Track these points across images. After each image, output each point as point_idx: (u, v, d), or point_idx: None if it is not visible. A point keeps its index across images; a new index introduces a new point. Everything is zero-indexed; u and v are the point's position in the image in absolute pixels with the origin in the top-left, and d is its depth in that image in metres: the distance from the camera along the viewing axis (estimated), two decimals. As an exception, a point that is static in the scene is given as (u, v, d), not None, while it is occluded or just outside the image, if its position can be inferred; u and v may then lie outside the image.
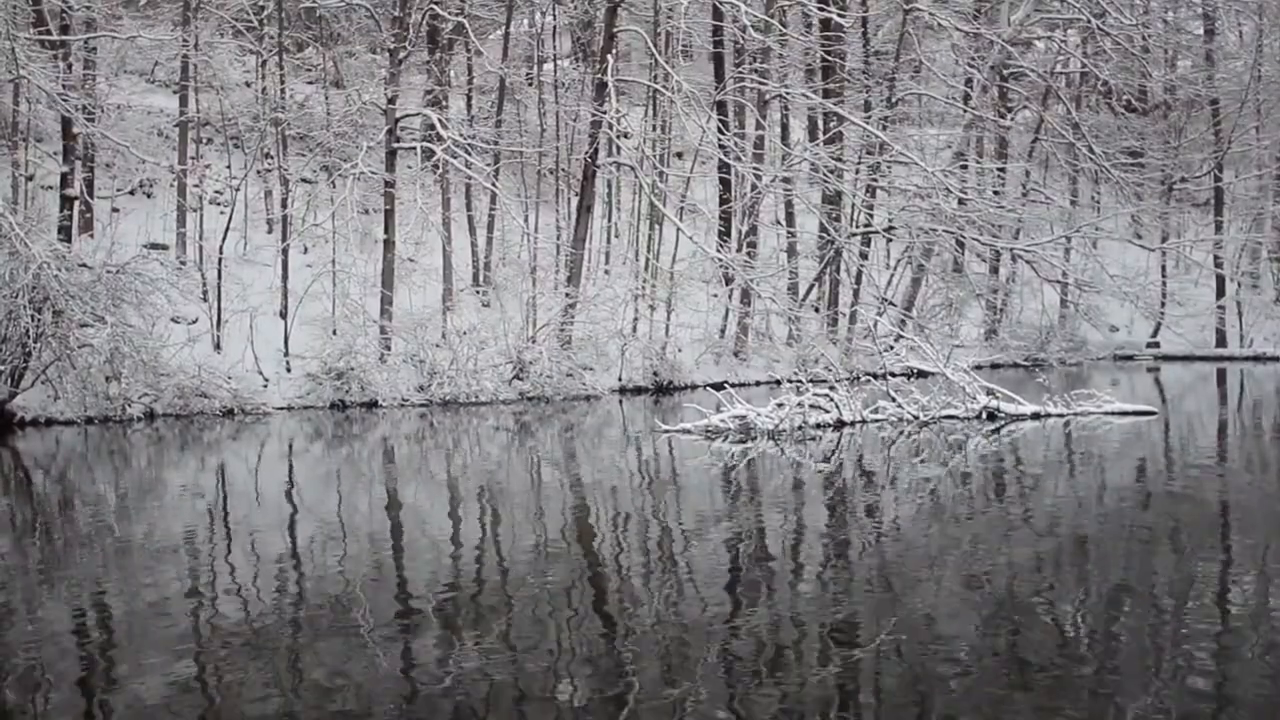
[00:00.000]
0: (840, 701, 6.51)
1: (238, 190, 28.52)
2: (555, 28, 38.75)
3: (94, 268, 21.89)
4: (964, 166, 35.92)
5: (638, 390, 28.53)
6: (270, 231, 30.23)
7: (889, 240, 38.39)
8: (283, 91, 29.98)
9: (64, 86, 24.05)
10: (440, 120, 26.73)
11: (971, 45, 35.31)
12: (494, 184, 29.15)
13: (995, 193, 36.85)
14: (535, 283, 28.73)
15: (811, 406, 20.94)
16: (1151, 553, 10.61)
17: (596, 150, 29.05)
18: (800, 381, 22.25)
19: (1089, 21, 35.94)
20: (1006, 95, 40.25)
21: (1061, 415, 21.91)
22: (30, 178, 26.41)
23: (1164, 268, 44.07)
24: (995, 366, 33.17)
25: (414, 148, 27.72)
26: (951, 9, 35.20)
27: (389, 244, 26.99)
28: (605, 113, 27.92)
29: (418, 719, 6.27)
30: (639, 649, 7.46)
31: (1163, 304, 42.98)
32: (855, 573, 9.79)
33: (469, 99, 35.46)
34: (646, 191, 30.64)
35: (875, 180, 34.94)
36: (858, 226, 34.89)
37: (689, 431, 19.93)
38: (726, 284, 31.89)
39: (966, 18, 35.55)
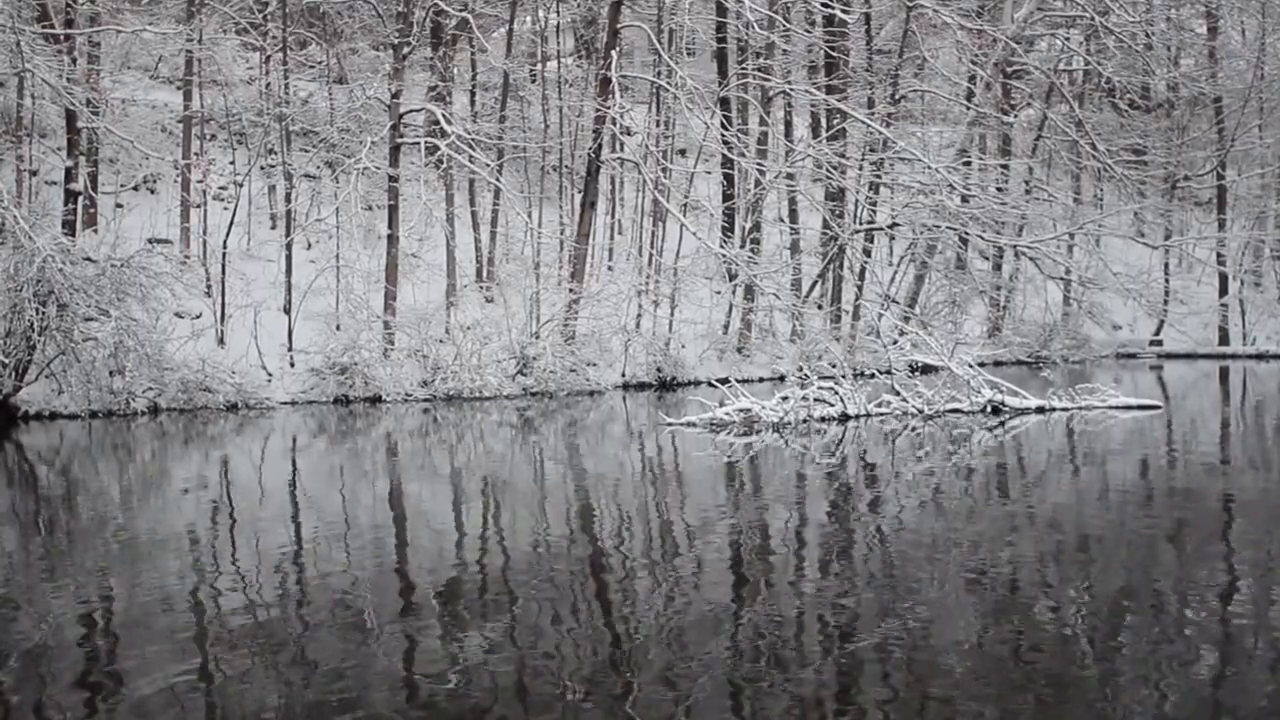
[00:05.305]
0: (842, 698, 6.51)
1: (241, 186, 28.56)
2: (559, 24, 38.80)
3: (98, 262, 21.92)
4: (967, 163, 35.94)
5: (641, 386, 28.55)
6: (274, 227, 30.27)
7: (892, 237, 38.45)
8: (286, 87, 30.02)
9: (68, 81, 24.09)
10: (444, 116, 26.77)
11: (975, 43, 35.31)
12: (498, 180, 29.18)
13: (999, 190, 36.91)
14: (539, 278, 28.76)
15: (816, 400, 20.95)
16: (1154, 549, 10.60)
17: (600, 147, 29.06)
18: (805, 375, 22.26)
19: (1092, 19, 35.95)
20: (1010, 93, 40.24)
21: (1066, 409, 21.92)
22: (34, 172, 26.45)
23: (1167, 265, 44.08)
24: (998, 364, 33.13)
25: (418, 143, 27.76)
26: (955, 7, 35.20)
27: (392, 239, 27.02)
28: (609, 109, 27.94)
29: (421, 713, 6.27)
30: (642, 643, 7.47)
31: (1165, 302, 42.98)
32: (858, 568, 9.79)
33: (472, 95, 35.50)
34: (650, 188, 30.65)
35: (879, 177, 34.95)
36: (861, 223, 34.90)
37: (693, 425, 19.93)
38: (730, 280, 31.91)
39: (970, 15, 35.56)
